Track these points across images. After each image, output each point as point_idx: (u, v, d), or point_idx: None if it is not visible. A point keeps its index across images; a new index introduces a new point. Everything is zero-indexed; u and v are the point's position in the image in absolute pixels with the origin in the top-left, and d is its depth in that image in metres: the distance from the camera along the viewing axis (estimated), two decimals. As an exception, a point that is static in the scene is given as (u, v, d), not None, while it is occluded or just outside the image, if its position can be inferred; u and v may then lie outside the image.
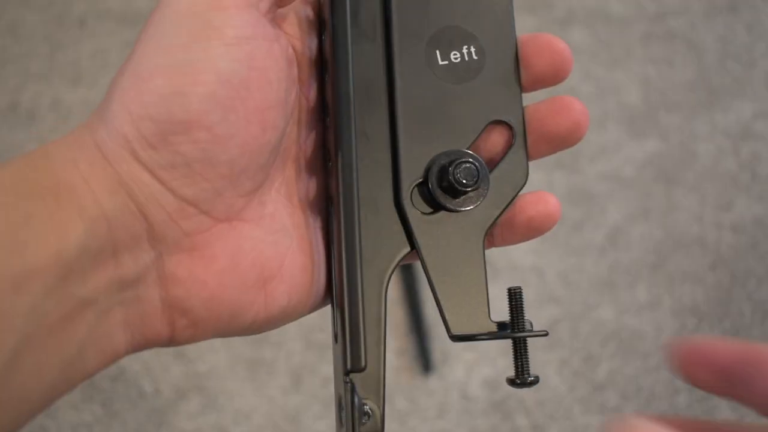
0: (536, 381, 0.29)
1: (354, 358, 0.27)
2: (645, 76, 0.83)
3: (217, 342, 0.71)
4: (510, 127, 0.29)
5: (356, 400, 0.27)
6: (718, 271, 0.75)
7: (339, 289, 0.28)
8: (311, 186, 0.30)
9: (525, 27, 0.83)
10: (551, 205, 0.30)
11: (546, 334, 0.29)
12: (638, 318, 0.73)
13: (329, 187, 0.29)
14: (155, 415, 0.68)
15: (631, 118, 0.82)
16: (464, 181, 0.28)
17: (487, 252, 0.29)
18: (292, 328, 0.72)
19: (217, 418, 0.69)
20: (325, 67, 0.29)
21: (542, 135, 0.30)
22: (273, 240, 0.28)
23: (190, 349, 0.71)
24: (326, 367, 0.70)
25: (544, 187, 0.79)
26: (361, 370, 0.27)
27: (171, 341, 0.28)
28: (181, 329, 0.27)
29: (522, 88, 0.30)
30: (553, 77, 0.30)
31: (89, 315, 0.25)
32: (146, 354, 0.70)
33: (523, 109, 0.29)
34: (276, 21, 0.28)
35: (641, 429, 0.21)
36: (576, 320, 0.73)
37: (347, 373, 0.27)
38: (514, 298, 0.28)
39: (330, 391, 0.69)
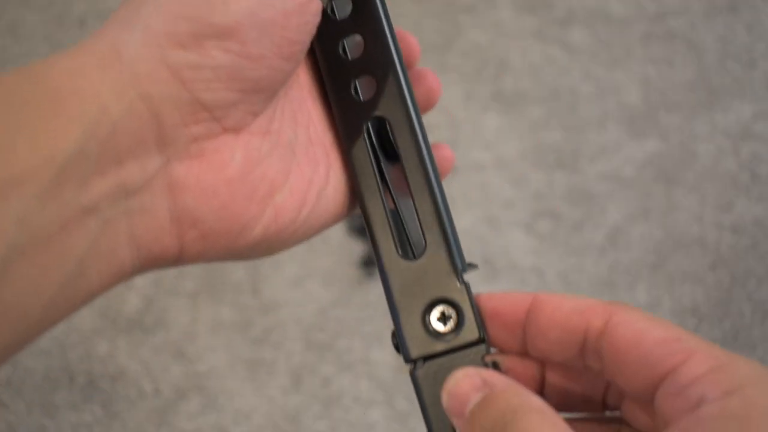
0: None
1: (462, 258, 0.30)
2: (645, 76, 0.83)
3: (217, 342, 0.71)
4: None
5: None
6: (718, 272, 0.75)
7: (436, 205, 0.30)
8: (314, 108, 0.32)
9: (525, 27, 0.83)
10: (447, 151, 0.34)
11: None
12: (638, 318, 0.73)
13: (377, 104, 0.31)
14: (155, 415, 0.68)
15: (631, 118, 0.82)
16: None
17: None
18: (292, 328, 0.72)
19: (217, 418, 0.69)
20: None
21: None
22: (279, 154, 0.29)
23: (190, 349, 0.71)
24: (326, 367, 0.70)
25: (544, 187, 0.79)
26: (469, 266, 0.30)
27: (179, 258, 0.27)
28: (191, 242, 0.27)
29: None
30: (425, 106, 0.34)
31: (91, 225, 0.24)
32: (146, 354, 0.70)
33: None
34: None
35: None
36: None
37: (463, 273, 0.29)
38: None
39: (330, 391, 0.69)
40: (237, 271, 0.74)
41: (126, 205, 0.25)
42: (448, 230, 0.30)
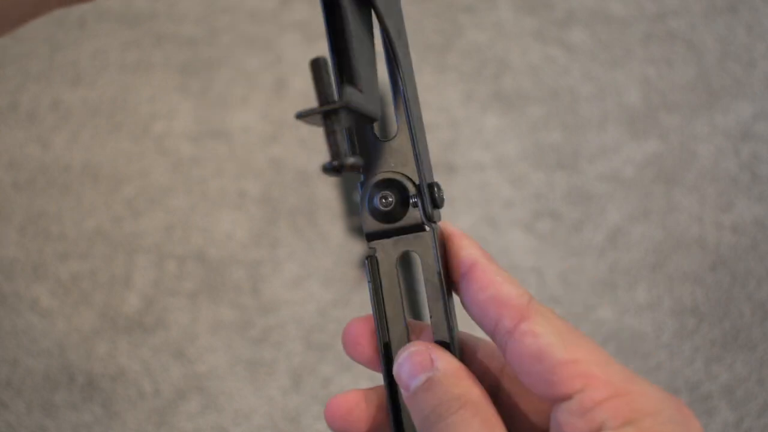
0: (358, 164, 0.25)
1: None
2: (645, 76, 0.83)
3: (217, 342, 0.71)
4: None
5: None
6: (718, 272, 0.75)
7: None
8: None
9: (525, 27, 0.83)
10: None
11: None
12: (638, 318, 0.73)
13: None
14: (155, 415, 0.68)
15: (631, 118, 0.82)
16: None
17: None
18: (292, 328, 0.72)
19: (217, 418, 0.69)
20: None
21: None
22: None
23: (190, 349, 0.71)
24: (326, 368, 0.70)
25: (544, 187, 0.79)
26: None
27: None
28: None
29: None
30: None
31: None
32: (146, 354, 0.70)
33: None
34: None
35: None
36: (576, 321, 0.73)
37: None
38: (317, 69, 0.25)
39: (330, 391, 0.69)
40: (237, 271, 0.74)
41: None
42: None
